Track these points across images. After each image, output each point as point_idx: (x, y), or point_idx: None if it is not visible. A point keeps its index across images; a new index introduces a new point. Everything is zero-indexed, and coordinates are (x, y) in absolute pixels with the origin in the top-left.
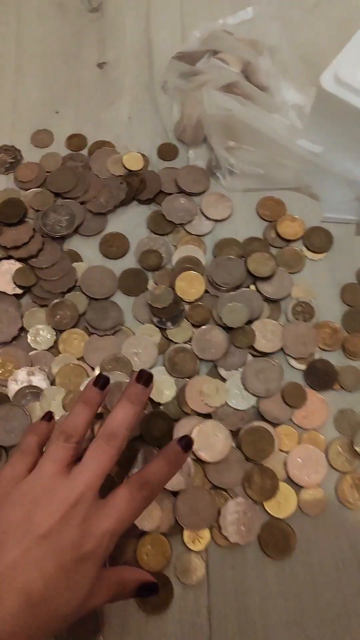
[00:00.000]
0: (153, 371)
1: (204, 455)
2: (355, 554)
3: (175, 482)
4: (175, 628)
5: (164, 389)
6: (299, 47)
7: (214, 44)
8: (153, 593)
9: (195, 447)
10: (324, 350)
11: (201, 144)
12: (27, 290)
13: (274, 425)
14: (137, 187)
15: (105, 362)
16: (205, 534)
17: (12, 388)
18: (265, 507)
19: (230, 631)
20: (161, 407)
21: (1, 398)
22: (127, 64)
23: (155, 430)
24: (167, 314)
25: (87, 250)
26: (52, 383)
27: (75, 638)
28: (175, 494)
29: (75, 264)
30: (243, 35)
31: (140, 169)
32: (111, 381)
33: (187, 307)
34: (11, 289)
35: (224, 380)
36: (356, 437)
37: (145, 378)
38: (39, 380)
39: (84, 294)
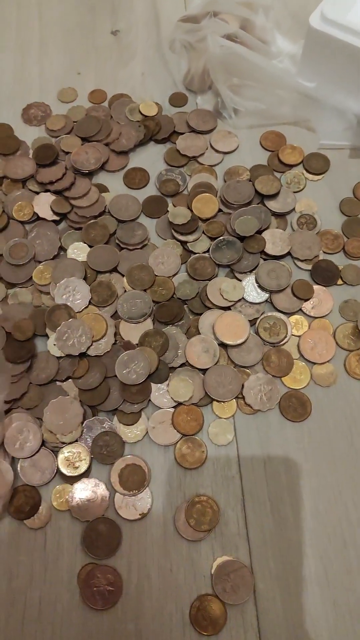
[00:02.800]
0: (177, 277)
1: (226, 339)
2: None
3: (203, 362)
4: (212, 480)
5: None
6: (289, 5)
7: (213, 7)
8: None
9: (219, 332)
10: (327, 253)
11: (207, 90)
12: (63, 217)
13: (286, 315)
14: (153, 129)
15: (132, 268)
16: (232, 404)
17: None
18: (283, 381)
19: (258, 480)
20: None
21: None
22: (137, 30)
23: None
24: (187, 229)
25: (113, 183)
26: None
27: (127, 487)
28: (203, 372)
29: (103, 194)
30: None
31: (155, 114)
32: None
33: (203, 224)
34: (50, 216)
35: (239, 280)
36: (359, 320)
37: None
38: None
39: (113, 217)
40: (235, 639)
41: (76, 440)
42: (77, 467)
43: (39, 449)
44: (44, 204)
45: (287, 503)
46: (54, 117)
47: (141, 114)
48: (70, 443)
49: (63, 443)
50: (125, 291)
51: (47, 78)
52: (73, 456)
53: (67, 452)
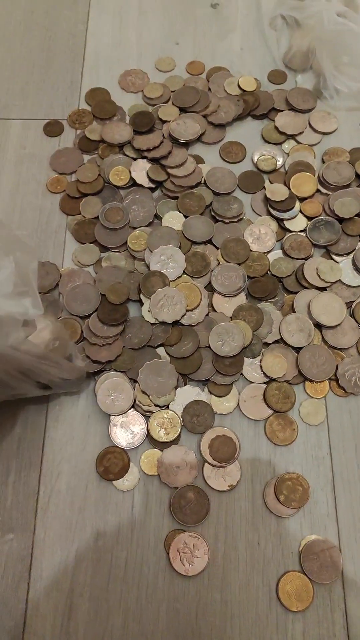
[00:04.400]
0: (272, 254)
1: (323, 319)
2: None
3: (297, 340)
4: (302, 458)
5: None
6: None
7: None
8: None
9: (315, 312)
10: None
11: (308, 70)
12: (159, 185)
13: None
14: (252, 104)
15: (227, 241)
16: (325, 385)
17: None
18: None
19: (349, 463)
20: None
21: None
22: (237, 4)
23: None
24: (284, 206)
25: (209, 155)
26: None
27: (217, 458)
28: (297, 350)
29: (200, 165)
30: None
31: (254, 90)
32: None
33: (300, 204)
34: (146, 182)
35: (336, 262)
36: None
37: None
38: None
39: (209, 188)
40: (322, 617)
41: (168, 405)
42: (168, 433)
43: (130, 409)
44: (140, 170)
45: None
46: (151, 85)
47: (240, 88)
48: (163, 407)
49: (157, 406)
50: (219, 264)
51: (145, 46)
52: (165, 421)
53: (159, 417)
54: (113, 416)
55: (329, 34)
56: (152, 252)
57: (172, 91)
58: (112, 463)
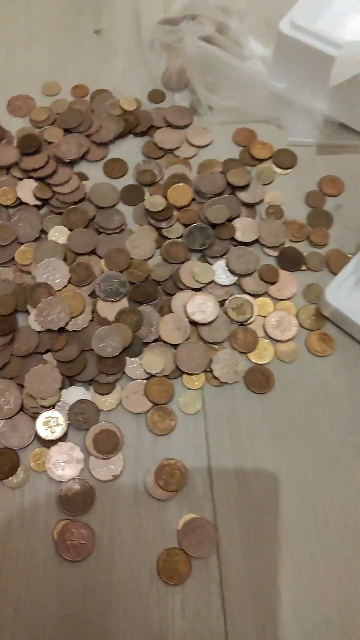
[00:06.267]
0: (152, 260)
1: (197, 317)
2: (322, 388)
3: (175, 338)
4: (180, 446)
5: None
6: (263, 11)
7: (191, 10)
8: None
9: (190, 310)
10: (292, 241)
11: (184, 88)
12: (45, 202)
13: (253, 297)
14: (133, 123)
15: (110, 251)
16: (201, 377)
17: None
18: (249, 357)
19: (224, 446)
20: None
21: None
22: (119, 30)
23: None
24: (162, 216)
25: (94, 172)
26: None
27: (101, 451)
28: (175, 347)
29: (84, 182)
30: (215, 3)
31: (134, 109)
32: None
33: (177, 213)
34: (32, 201)
35: (210, 264)
36: (320, 303)
37: None
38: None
39: (92, 203)
40: (199, 588)
41: (54, 406)
42: (54, 432)
43: (18, 412)
44: (27, 189)
45: (250, 468)
46: (38, 109)
47: (121, 108)
48: (49, 407)
49: (42, 407)
50: (102, 272)
51: (32, 72)
52: (51, 421)
53: (45, 417)
54: (2, 420)
55: (193, 57)
56: (37, 265)
57: (57, 114)
58: (1, 463)
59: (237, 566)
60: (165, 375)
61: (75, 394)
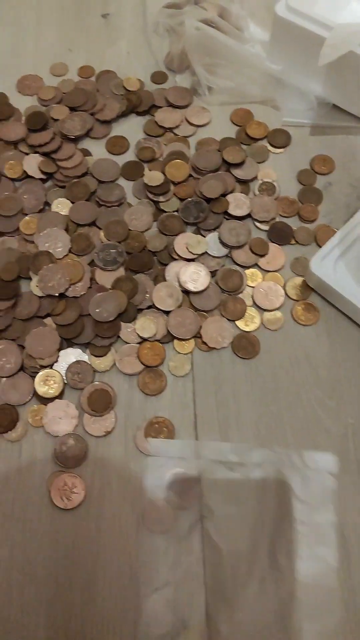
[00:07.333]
0: (149, 232)
1: (189, 286)
2: (305, 354)
3: (167, 305)
4: (169, 405)
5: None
6: None
7: None
8: None
9: (182, 279)
10: (283, 217)
11: (185, 70)
12: (49, 176)
13: (243, 268)
14: (135, 102)
15: (109, 223)
16: (191, 342)
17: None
18: (236, 324)
19: (210, 406)
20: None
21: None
22: (125, 14)
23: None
24: (159, 190)
25: (96, 149)
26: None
27: (94, 409)
28: (167, 313)
29: (87, 157)
30: None
31: (137, 90)
32: None
33: (174, 187)
34: (37, 174)
35: (204, 236)
36: (306, 275)
37: None
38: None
39: (94, 177)
40: (182, 538)
41: (52, 366)
42: (52, 389)
43: (18, 371)
44: (32, 164)
45: (233, 426)
46: (45, 88)
47: (124, 88)
48: (47, 367)
49: (41, 367)
50: (102, 243)
51: (41, 53)
52: (48, 380)
53: (44, 376)
54: (3, 378)
55: (193, 39)
56: (40, 234)
57: (64, 93)
58: (1, 418)
59: (217, 516)
60: (157, 340)
61: (72, 355)
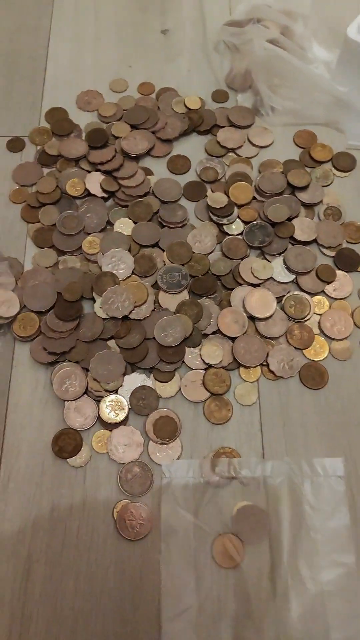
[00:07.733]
0: (212, 255)
1: (255, 313)
2: None
3: (233, 331)
4: (235, 435)
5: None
6: (326, 17)
7: (256, 14)
8: None
9: (248, 306)
10: (350, 243)
11: (247, 89)
12: (111, 194)
13: (310, 295)
14: (197, 121)
15: (172, 244)
16: (257, 370)
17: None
18: (304, 353)
19: (278, 438)
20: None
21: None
22: (185, 31)
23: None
24: (223, 212)
25: (158, 168)
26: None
27: (160, 436)
28: (233, 340)
29: (149, 177)
30: (280, 7)
31: (199, 108)
32: None
33: (238, 210)
34: (99, 193)
35: (269, 261)
36: None
37: None
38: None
39: (157, 197)
40: (255, 570)
41: (117, 390)
42: (117, 415)
43: (83, 395)
44: (94, 182)
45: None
46: (106, 105)
47: (186, 107)
48: (112, 392)
49: (106, 391)
50: (164, 264)
51: (100, 69)
52: (113, 405)
53: (108, 401)
54: (67, 401)
55: (261, 59)
56: (103, 254)
57: (124, 110)
58: (66, 443)
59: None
60: (222, 367)
61: (137, 380)
